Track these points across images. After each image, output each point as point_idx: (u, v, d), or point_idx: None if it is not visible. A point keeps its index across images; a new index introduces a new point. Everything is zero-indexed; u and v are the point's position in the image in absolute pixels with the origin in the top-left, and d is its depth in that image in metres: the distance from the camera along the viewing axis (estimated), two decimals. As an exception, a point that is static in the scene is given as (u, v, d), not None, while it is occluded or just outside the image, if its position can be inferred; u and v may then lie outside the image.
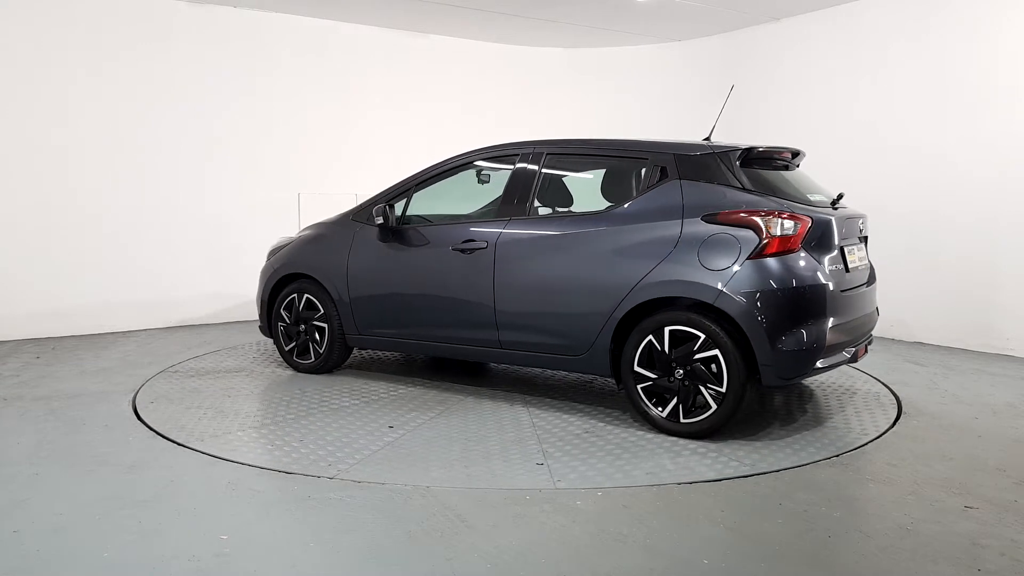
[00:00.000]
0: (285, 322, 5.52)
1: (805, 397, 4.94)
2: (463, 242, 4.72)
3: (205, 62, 7.54)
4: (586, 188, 4.98)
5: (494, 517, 3.08)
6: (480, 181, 5.21)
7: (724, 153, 4.20)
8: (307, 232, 5.62)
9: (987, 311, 6.42)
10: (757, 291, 3.83)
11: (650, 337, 4.07)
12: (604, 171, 4.84)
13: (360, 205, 5.39)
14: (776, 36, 8.00)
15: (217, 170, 7.65)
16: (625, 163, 4.60)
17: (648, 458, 3.77)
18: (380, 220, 5.01)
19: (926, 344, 6.76)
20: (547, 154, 4.73)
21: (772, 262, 3.88)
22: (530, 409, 4.61)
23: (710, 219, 4.01)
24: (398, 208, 5.12)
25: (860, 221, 4.61)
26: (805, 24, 7.69)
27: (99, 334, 7.09)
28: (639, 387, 4.15)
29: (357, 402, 4.77)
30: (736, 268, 3.87)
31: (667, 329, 4.02)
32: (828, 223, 4.16)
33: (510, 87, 9.17)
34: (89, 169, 7.06)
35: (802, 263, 3.94)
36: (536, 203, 4.69)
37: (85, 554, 2.77)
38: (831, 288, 4.03)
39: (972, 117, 6.43)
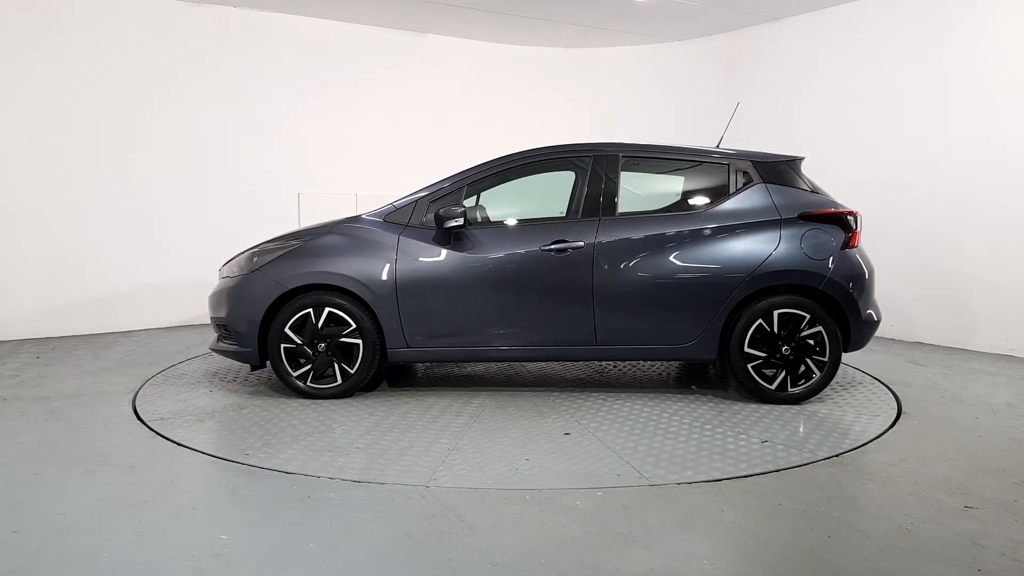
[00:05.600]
0: (293, 343, 4.76)
1: (805, 397, 4.94)
2: (553, 242, 4.71)
3: (205, 62, 7.55)
4: (660, 189, 5.24)
5: (494, 517, 3.08)
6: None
7: (791, 160, 4.93)
8: (311, 239, 4.86)
9: (987, 311, 6.42)
10: (850, 276, 4.66)
11: (760, 320, 4.64)
12: (681, 174, 5.12)
13: (397, 205, 4.91)
14: (776, 36, 8.00)
15: (217, 170, 7.67)
16: (704, 167, 5.02)
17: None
18: (457, 222, 4.65)
19: (926, 344, 6.76)
20: (623, 156, 4.93)
21: (854, 252, 4.74)
22: (640, 399, 4.63)
23: (805, 217, 4.73)
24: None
25: None
26: (805, 24, 7.69)
27: (99, 334, 7.09)
28: (749, 365, 4.68)
29: (465, 418, 4.44)
30: (833, 257, 4.65)
31: (776, 312, 4.64)
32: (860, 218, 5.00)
33: (510, 87, 9.18)
34: (89, 169, 7.07)
35: (864, 252, 4.84)
36: (620, 203, 4.84)
37: (85, 554, 2.76)
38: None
39: (972, 117, 6.43)
